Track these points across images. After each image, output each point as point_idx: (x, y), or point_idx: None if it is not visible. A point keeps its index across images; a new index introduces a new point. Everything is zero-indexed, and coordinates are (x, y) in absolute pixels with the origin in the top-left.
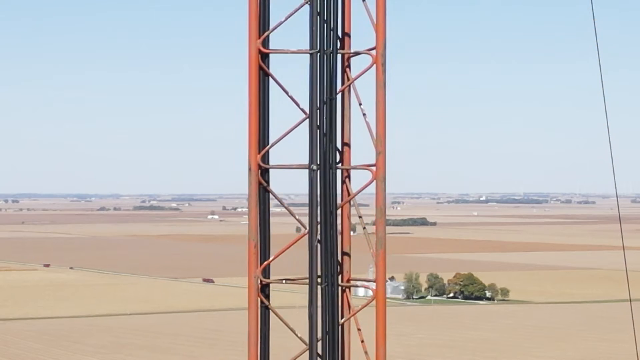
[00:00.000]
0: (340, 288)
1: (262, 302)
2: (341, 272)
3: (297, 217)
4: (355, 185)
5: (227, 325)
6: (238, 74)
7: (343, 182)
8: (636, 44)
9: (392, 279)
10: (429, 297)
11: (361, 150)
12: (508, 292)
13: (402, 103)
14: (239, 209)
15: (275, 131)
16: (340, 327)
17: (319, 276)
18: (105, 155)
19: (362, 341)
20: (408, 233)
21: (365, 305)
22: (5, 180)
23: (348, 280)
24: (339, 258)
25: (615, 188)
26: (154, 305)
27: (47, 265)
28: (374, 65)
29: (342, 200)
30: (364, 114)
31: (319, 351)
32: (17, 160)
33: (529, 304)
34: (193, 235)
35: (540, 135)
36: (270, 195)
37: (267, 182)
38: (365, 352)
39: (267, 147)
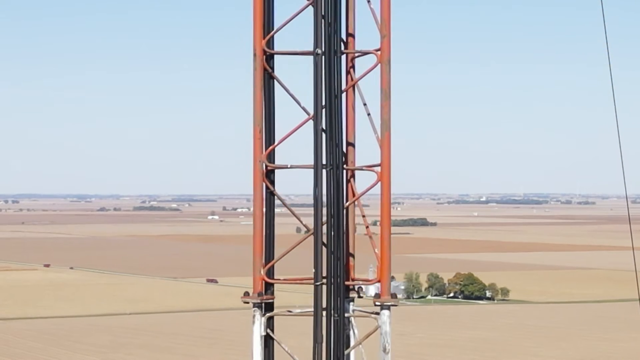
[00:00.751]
0: (345, 172)
1: (267, 187)
2: (346, 161)
3: (301, 104)
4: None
5: (226, 324)
6: (238, 75)
7: (348, 72)
8: (635, 44)
9: (392, 278)
10: (429, 296)
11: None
12: (508, 292)
13: (402, 103)
14: (239, 209)
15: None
16: (345, 210)
17: (324, 165)
18: (105, 155)
19: (367, 227)
20: (408, 233)
21: (369, 189)
22: (5, 180)
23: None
24: (344, 148)
25: (625, 189)
26: (153, 305)
27: (47, 265)
28: None
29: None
30: (368, 1)
31: (324, 239)
32: (17, 160)
33: (529, 303)
34: (193, 235)
35: (540, 136)
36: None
37: (272, 68)
38: (370, 237)
39: (271, 33)
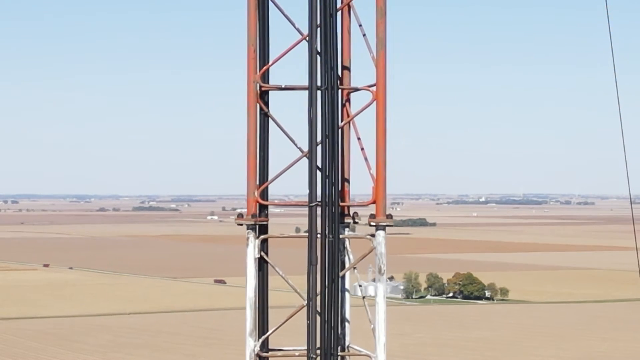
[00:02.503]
0: (340, 92)
1: (261, 108)
2: (342, 84)
3: (296, 25)
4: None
5: (226, 324)
6: (238, 75)
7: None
8: (634, 45)
9: (391, 278)
10: (428, 296)
11: None
12: (507, 292)
13: (401, 104)
14: (238, 210)
15: None
16: (340, 131)
17: (318, 86)
18: (105, 156)
19: (362, 149)
20: (407, 234)
21: (364, 109)
22: (4, 181)
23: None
24: (339, 72)
25: (629, 189)
26: (153, 304)
27: (47, 265)
28: None
29: (342, 3)
30: None
31: (319, 163)
32: (17, 161)
33: (528, 303)
34: (192, 235)
35: (540, 137)
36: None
37: None
38: (365, 159)
39: None
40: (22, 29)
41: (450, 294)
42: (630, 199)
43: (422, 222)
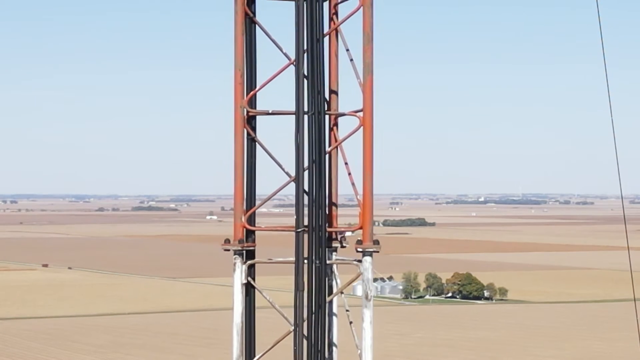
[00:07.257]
0: (327, 117)
1: (248, 133)
2: (329, 108)
3: (283, 50)
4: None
5: (224, 324)
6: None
7: (330, 18)
8: (633, 45)
9: (390, 278)
10: (427, 296)
11: None
12: (506, 292)
13: (400, 104)
14: None
15: None
16: (327, 156)
17: (305, 111)
18: (104, 155)
19: (350, 174)
20: (407, 233)
21: (351, 134)
22: (3, 181)
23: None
24: (327, 96)
25: (620, 189)
26: (152, 304)
27: (46, 265)
28: None
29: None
30: None
31: (306, 187)
32: (16, 160)
33: (527, 303)
34: (191, 235)
35: (539, 136)
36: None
37: (254, 13)
38: (352, 184)
39: None
40: (22, 28)
41: (449, 294)
42: (622, 198)
43: (421, 222)
